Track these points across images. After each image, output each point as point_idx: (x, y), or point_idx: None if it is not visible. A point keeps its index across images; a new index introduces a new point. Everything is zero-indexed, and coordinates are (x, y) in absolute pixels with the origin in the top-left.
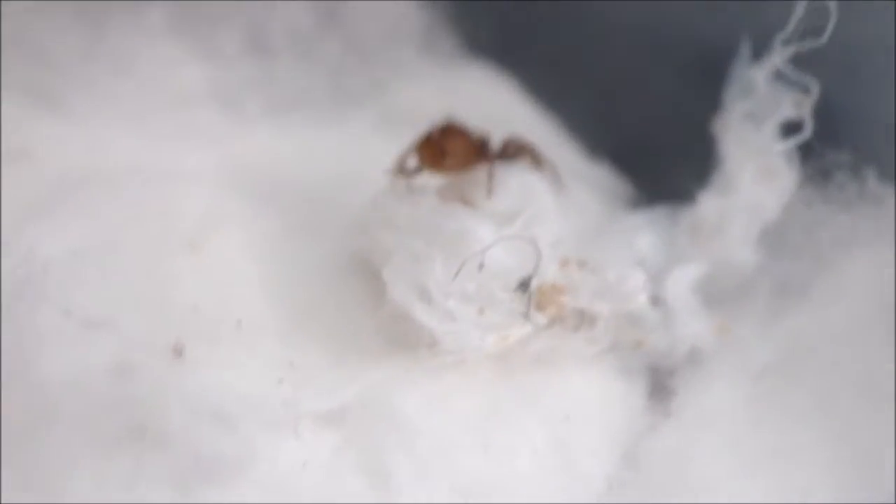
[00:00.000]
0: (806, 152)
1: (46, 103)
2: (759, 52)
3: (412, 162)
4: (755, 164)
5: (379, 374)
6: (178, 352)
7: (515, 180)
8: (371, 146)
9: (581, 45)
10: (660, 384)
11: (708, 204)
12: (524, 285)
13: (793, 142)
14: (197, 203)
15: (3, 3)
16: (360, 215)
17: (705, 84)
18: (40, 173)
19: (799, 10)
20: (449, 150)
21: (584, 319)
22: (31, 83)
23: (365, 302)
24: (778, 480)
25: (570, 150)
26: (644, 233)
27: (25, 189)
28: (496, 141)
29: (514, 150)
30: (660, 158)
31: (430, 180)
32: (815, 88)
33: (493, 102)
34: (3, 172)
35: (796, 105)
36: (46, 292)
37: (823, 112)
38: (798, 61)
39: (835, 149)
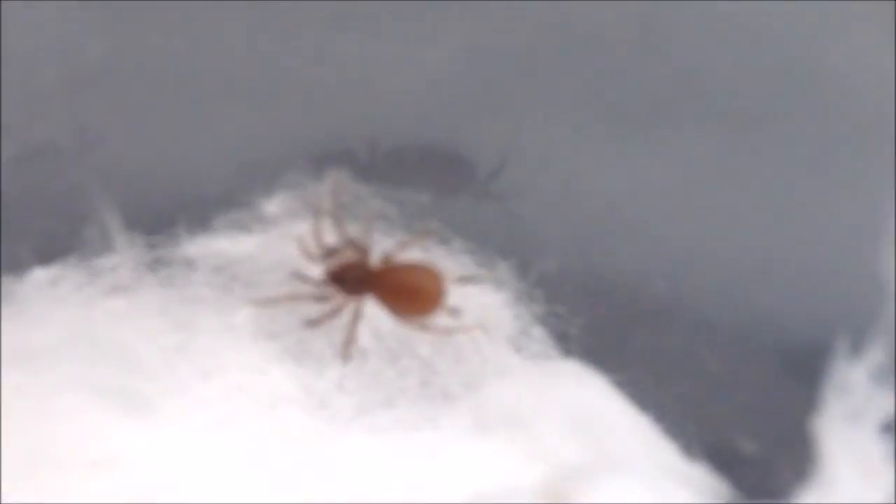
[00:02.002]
0: None
1: (134, 408)
2: (856, 349)
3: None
4: (856, 463)
5: None
6: None
7: None
8: (465, 447)
9: (674, 344)
10: None
11: None
12: None
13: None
14: None
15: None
16: None
17: (801, 381)
18: (128, 481)
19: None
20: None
21: None
22: (119, 388)
23: None
24: None
25: (665, 450)
26: None
27: (112, 498)
28: None
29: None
30: (757, 457)
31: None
32: None
33: (586, 402)
34: (89, 481)
35: None
36: None
37: None
38: None
39: None
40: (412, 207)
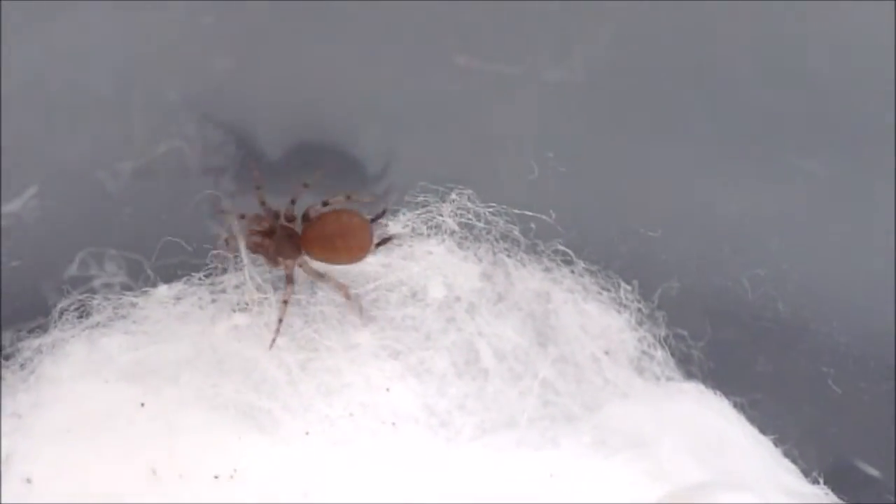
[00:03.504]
0: None
1: (257, 424)
2: None
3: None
4: None
5: None
6: None
7: None
8: (586, 466)
9: (796, 367)
10: None
11: None
12: None
13: None
14: None
15: None
16: None
17: None
18: (249, 496)
19: None
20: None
21: None
22: (242, 404)
23: None
24: None
25: (785, 472)
26: None
27: None
28: None
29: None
30: (878, 482)
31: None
32: None
33: (707, 423)
34: (211, 495)
35: None
36: None
37: None
38: None
39: None
40: (535, 227)
